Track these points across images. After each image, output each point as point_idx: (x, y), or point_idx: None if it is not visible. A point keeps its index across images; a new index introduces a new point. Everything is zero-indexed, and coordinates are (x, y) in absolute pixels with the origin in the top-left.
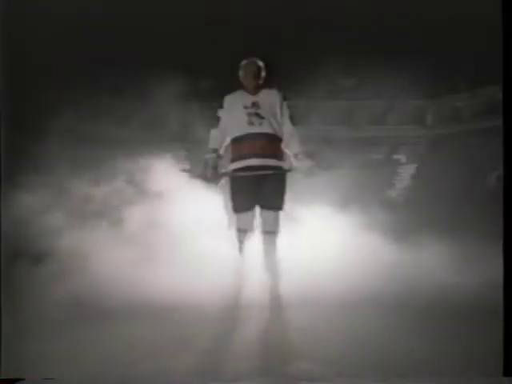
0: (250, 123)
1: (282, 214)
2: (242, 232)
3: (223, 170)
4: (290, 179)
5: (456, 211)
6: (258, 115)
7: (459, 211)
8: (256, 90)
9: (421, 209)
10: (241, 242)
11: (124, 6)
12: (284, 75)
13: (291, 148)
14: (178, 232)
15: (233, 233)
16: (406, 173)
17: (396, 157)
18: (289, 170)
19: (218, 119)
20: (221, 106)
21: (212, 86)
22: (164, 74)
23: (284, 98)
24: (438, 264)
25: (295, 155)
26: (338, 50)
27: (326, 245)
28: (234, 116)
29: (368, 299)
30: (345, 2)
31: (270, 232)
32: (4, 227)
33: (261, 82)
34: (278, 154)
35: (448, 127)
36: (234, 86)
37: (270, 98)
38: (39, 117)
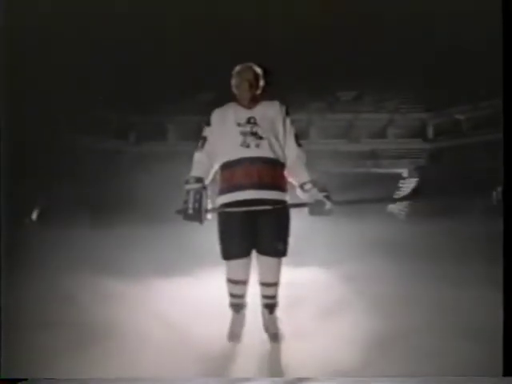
0: (245, 145)
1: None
2: (235, 284)
3: (210, 205)
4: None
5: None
6: (254, 134)
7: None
8: (252, 102)
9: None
10: (233, 296)
11: (125, 22)
12: (284, 88)
13: (297, 176)
14: None
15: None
16: (407, 187)
17: (397, 170)
18: (293, 205)
19: (203, 139)
20: (207, 123)
21: (211, 99)
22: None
23: (287, 113)
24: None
25: (302, 185)
26: (339, 63)
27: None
28: (225, 135)
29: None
30: (346, 16)
31: (270, 284)
32: None
33: (258, 92)
34: (280, 185)
35: (449, 140)
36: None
37: (269, 112)
38: None
